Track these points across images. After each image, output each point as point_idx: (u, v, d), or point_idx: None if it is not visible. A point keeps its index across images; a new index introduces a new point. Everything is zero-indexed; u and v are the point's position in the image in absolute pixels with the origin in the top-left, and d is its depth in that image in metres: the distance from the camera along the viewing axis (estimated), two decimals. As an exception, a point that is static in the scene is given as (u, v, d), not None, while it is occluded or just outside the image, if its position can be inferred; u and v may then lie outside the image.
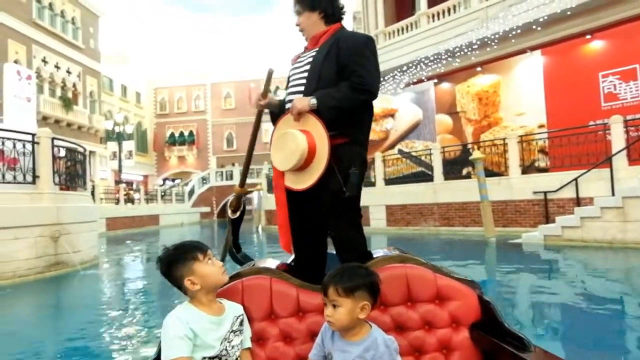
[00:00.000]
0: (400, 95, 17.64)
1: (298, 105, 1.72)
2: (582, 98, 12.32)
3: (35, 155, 7.55)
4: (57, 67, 26.26)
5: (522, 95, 14.23)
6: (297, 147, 1.66)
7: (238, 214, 2.04)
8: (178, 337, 1.28)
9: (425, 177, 13.95)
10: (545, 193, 10.66)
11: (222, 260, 2.02)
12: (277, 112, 1.98)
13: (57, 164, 8.11)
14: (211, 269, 1.41)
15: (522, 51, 13.61)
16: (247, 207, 32.75)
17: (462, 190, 12.30)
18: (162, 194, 28.92)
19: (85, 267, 8.06)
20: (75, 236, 7.96)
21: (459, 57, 14.46)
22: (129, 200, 25.06)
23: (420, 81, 16.24)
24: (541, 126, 13.51)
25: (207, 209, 32.36)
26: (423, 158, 14.61)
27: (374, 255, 1.76)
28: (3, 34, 22.17)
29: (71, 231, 7.84)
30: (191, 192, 32.17)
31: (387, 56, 16.91)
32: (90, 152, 24.66)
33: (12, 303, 5.84)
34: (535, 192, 10.90)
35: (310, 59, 1.86)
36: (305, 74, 1.84)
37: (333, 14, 1.91)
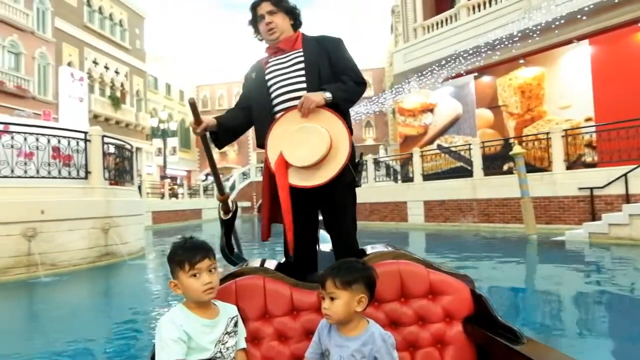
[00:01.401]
0: (439, 89, 17.38)
1: (316, 99, 1.73)
2: (633, 89, 11.73)
3: (87, 152, 8.04)
4: (106, 67, 27.55)
5: (568, 88, 13.71)
6: (323, 141, 1.66)
7: (230, 215, 2.04)
8: (172, 340, 1.28)
9: (464, 172, 13.71)
10: (591, 189, 10.25)
11: (227, 257, 2.08)
12: (219, 130, 1.95)
13: (106, 160, 8.59)
14: (193, 284, 1.35)
15: (568, 42, 13.10)
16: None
17: (503, 186, 12.02)
18: (205, 188, 29.76)
19: (133, 258, 8.51)
20: (124, 228, 8.42)
21: (499, 50, 14.09)
22: (173, 194, 25.95)
23: (459, 75, 15.94)
24: (588, 119, 12.98)
25: (247, 204, 33.02)
26: (462, 153, 14.36)
27: (369, 252, 1.79)
28: (58, 38, 23.48)
29: (120, 224, 8.30)
30: (232, 187, 32.90)
31: (425, 50, 16.70)
32: (137, 148, 25.79)
33: (69, 289, 6.30)
34: (580, 188, 10.50)
35: (300, 58, 1.90)
36: (301, 72, 1.88)
37: (299, 22, 2.03)
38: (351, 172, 1.76)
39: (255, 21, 2.01)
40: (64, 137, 7.76)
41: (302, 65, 1.89)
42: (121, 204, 8.55)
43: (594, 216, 9.97)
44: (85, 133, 8.17)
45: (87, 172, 8.02)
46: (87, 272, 7.22)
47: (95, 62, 26.57)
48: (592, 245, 8.61)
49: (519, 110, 15.10)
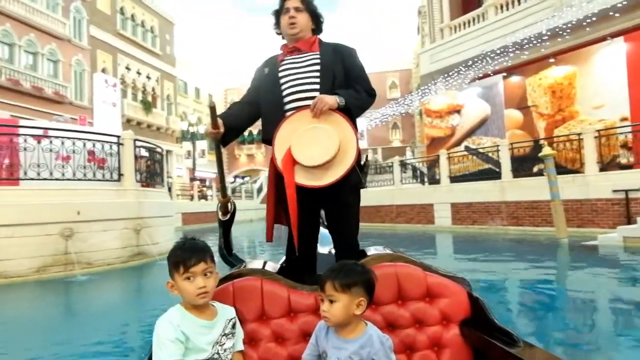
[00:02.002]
0: (466, 90, 17.16)
1: (329, 101, 1.77)
2: (671, 88, 11.30)
3: (120, 156, 8.34)
4: (138, 73, 28.39)
5: (601, 86, 13.31)
6: (333, 142, 1.71)
7: (228, 216, 2.04)
8: (170, 340, 1.28)
9: (492, 174, 13.48)
10: (626, 191, 9.93)
11: (224, 258, 2.06)
12: (226, 131, 1.95)
13: (138, 163, 8.89)
14: (187, 287, 1.34)
15: (601, 39, 12.73)
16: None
17: (532, 188, 11.76)
18: (232, 190, 30.21)
19: (163, 258, 8.73)
20: (154, 229, 8.69)
21: (528, 49, 13.81)
22: (203, 196, 26.44)
23: (486, 75, 15.70)
24: (624, 119, 12.56)
25: (274, 206, 33.30)
26: (490, 155, 14.12)
27: (369, 253, 1.80)
28: (93, 45, 24.35)
29: (151, 224, 8.56)
30: (259, 189, 33.25)
31: (452, 51, 16.54)
32: (167, 151, 26.42)
33: (103, 287, 6.57)
34: (615, 191, 10.18)
35: (317, 60, 1.94)
36: (316, 73, 1.91)
37: (320, 29, 2.09)
38: (357, 174, 1.82)
39: (279, 13, 2.03)
40: (99, 141, 8.08)
41: (317, 67, 1.92)
42: (152, 206, 8.83)
43: (629, 219, 9.65)
44: (118, 137, 8.47)
45: (120, 175, 8.32)
46: (120, 271, 7.49)
47: (127, 68, 27.42)
48: (626, 249, 8.34)
49: (549, 110, 14.74)
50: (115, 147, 8.29)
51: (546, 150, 10.11)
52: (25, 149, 7.13)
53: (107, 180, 8.09)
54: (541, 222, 11.58)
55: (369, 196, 17.80)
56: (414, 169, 17.66)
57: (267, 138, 1.91)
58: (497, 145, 13.60)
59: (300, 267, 1.86)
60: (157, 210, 9.00)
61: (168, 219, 9.77)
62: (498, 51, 14.53)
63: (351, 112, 1.84)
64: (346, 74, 1.94)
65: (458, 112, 18.01)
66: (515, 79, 15.68)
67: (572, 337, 3.55)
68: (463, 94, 17.43)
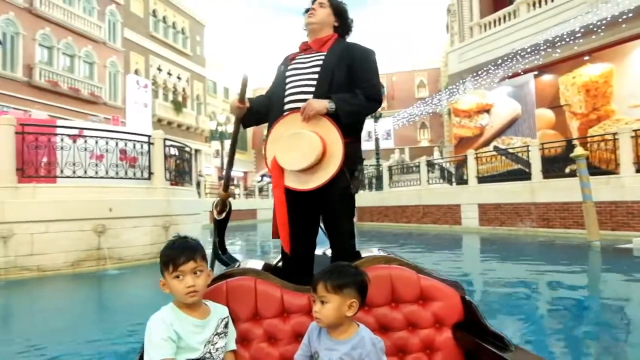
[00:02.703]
0: (496, 89, 16.83)
1: (317, 107, 1.73)
2: None
3: (150, 155, 8.60)
4: (169, 74, 29.08)
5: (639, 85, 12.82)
6: (313, 149, 1.69)
7: (224, 215, 2.03)
8: (162, 338, 1.28)
9: (521, 175, 13.18)
10: (664, 194, 9.56)
11: (211, 266, 2.01)
12: (248, 113, 1.99)
13: (168, 162, 9.13)
14: (176, 285, 1.34)
15: (638, 36, 12.25)
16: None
17: (564, 190, 11.44)
18: (260, 189, 30.55)
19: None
20: (182, 227, 8.91)
21: (560, 47, 13.43)
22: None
23: (516, 74, 15.35)
24: (662, 119, 12.07)
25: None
26: (520, 155, 13.81)
27: (364, 255, 1.80)
28: (127, 47, 25.09)
29: (179, 222, 8.79)
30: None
31: (482, 49, 16.26)
32: (196, 150, 26.97)
33: (134, 281, 6.82)
34: (651, 193, 9.82)
35: (320, 62, 1.88)
36: (314, 75, 1.86)
37: (343, 27, 2.01)
38: (347, 179, 1.77)
39: (308, 10, 2.02)
40: (130, 140, 8.35)
41: (318, 69, 1.87)
42: (180, 204, 9.06)
43: (667, 223, 9.29)
44: (149, 137, 8.73)
45: (150, 173, 8.57)
46: (149, 267, 7.72)
47: (159, 69, 28.12)
48: (663, 253, 8.04)
49: (583, 109, 14.30)
50: (145, 147, 8.55)
51: (578, 151, 9.83)
52: (62, 148, 7.44)
53: (137, 179, 8.35)
54: (572, 224, 11.26)
55: (394, 196, 17.71)
56: (442, 169, 17.45)
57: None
58: (527, 146, 13.29)
59: (294, 269, 1.84)
60: (185, 208, 9.23)
61: (195, 217, 10.00)
62: (529, 49, 14.18)
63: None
64: (351, 76, 1.85)
65: (487, 111, 17.68)
66: (547, 78, 15.29)
67: (606, 348, 3.44)
68: (493, 93, 17.10)
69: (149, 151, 8.58)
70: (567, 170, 12.41)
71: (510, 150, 14.50)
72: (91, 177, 7.60)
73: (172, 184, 9.28)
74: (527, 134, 15.81)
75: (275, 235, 1.91)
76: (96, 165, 7.75)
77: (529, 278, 6.46)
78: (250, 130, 42.40)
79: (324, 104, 1.74)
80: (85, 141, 7.65)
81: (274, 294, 1.60)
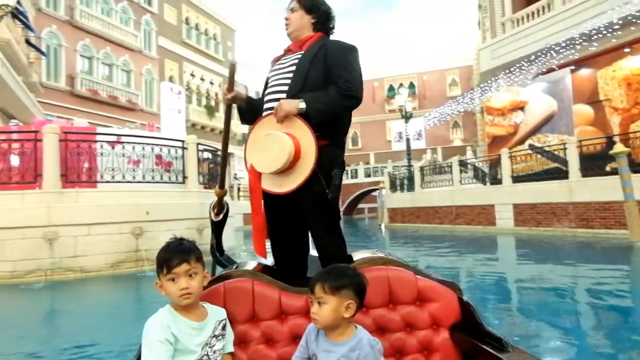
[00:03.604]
0: (530, 86, 16.38)
1: (286, 107, 1.69)
2: None
3: (184, 159, 8.86)
4: (202, 79, 29.76)
5: (685, 77, 12.21)
6: (284, 150, 1.64)
7: (221, 216, 2.01)
8: (159, 341, 1.27)
9: (558, 174, 12.78)
10: None
11: (213, 271, 2.01)
12: (245, 108, 1.98)
13: (201, 165, 9.38)
14: (170, 287, 1.34)
15: (683, 26, 11.67)
16: (370, 205, 33.32)
17: (604, 189, 11.02)
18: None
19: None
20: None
21: (597, 40, 12.94)
22: (262, 197, 27.15)
23: (551, 70, 14.88)
24: None
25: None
26: (557, 153, 13.38)
27: (358, 257, 1.79)
28: (161, 55, 25.87)
29: (208, 226, 8.98)
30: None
31: (514, 45, 15.89)
32: (230, 153, 27.46)
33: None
34: (699, 191, 9.33)
35: (296, 61, 1.86)
36: (290, 75, 1.83)
37: (323, 23, 1.96)
38: (322, 183, 1.69)
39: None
40: (165, 145, 8.63)
41: (293, 67, 1.85)
42: (214, 206, 9.25)
43: None
44: (183, 141, 9.00)
45: (184, 177, 8.83)
46: (185, 268, 7.96)
47: (192, 75, 28.83)
48: None
49: (624, 104, 13.72)
50: (180, 151, 8.82)
51: (619, 148, 9.49)
52: (101, 154, 7.78)
53: (172, 183, 8.62)
54: (614, 224, 10.83)
55: (426, 197, 17.51)
56: (475, 169, 17.11)
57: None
58: (564, 143, 12.88)
59: (286, 271, 1.81)
60: (218, 210, 9.42)
61: (228, 220, 10.18)
62: (564, 44, 13.73)
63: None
64: (326, 74, 1.79)
65: (521, 109, 17.22)
66: (584, 72, 14.76)
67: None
68: (527, 90, 16.65)
69: (182, 156, 8.84)
70: (608, 168, 11.95)
71: (546, 149, 14.08)
72: (129, 182, 7.91)
73: (205, 187, 9.51)
74: (564, 131, 15.30)
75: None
76: (133, 170, 8.06)
77: (571, 281, 6.28)
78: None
79: (295, 104, 1.69)
80: (123, 147, 7.97)
81: (272, 296, 1.60)
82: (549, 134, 15.99)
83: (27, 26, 14.64)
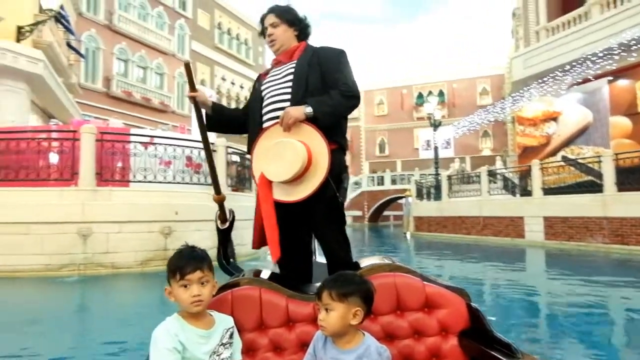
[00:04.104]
0: (564, 96, 15.97)
1: (295, 114, 1.72)
2: None
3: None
4: (232, 83, 30.25)
5: None
6: (297, 156, 1.65)
7: (227, 224, 2.01)
8: (167, 349, 1.27)
9: (592, 187, 12.39)
10: None
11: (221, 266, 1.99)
12: (212, 114, 1.98)
13: (229, 168, 9.53)
14: (182, 294, 1.35)
15: None
16: (395, 213, 33.06)
17: (641, 204, 10.64)
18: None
19: (249, 259, 9.28)
20: (242, 231, 9.15)
21: (636, 51, 12.53)
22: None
23: (587, 80, 14.48)
24: None
25: (359, 213, 33.48)
26: (591, 166, 12.99)
27: (365, 264, 1.79)
28: (194, 59, 26.42)
29: (239, 227, 8.98)
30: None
31: (548, 55, 15.56)
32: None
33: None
34: None
35: (292, 70, 1.90)
36: (289, 84, 1.87)
37: (305, 32, 2.03)
38: (332, 187, 1.74)
39: (264, 34, 2.04)
40: (195, 147, 8.82)
41: (291, 77, 1.88)
42: (241, 209, 9.33)
43: None
44: (212, 144, 9.17)
45: (213, 179, 8.97)
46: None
47: (223, 79, 29.35)
48: None
49: (664, 117, 13.25)
50: (209, 154, 8.97)
51: (657, 162, 9.14)
52: (134, 154, 8.02)
53: (201, 184, 8.79)
54: (651, 241, 10.43)
55: (453, 206, 17.27)
56: (505, 180, 16.78)
57: (249, 151, 1.94)
58: (599, 156, 12.49)
59: (293, 278, 1.82)
60: (245, 213, 9.45)
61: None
62: (601, 54, 13.36)
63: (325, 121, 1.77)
64: (323, 78, 1.85)
65: (554, 119, 16.82)
66: (623, 83, 14.31)
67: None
68: (560, 100, 16.26)
69: (212, 158, 9.00)
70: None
71: (580, 161, 13.69)
72: (160, 182, 8.11)
73: (233, 190, 9.65)
74: (600, 143, 14.86)
75: (256, 245, 1.92)
76: (164, 171, 8.26)
77: (604, 300, 6.03)
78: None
79: (302, 110, 1.73)
80: (155, 148, 8.18)
81: (279, 303, 1.60)
82: (584, 146, 15.56)
83: (68, 30, 15.22)
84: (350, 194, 33.92)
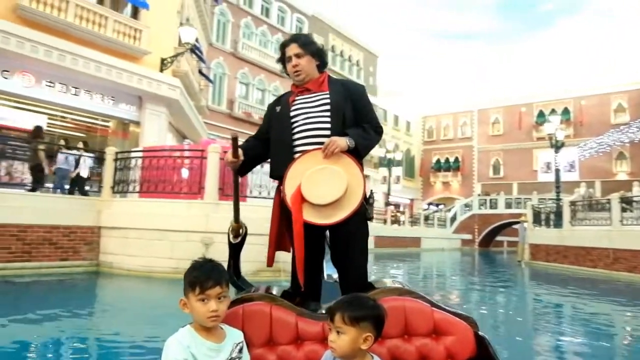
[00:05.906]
0: None
1: (341, 144, 1.86)
2: None
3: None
4: (343, 103, 31.21)
5: None
6: (342, 183, 1.79)
7: (239, 239, 2.10)
8: None
9: None
10: None
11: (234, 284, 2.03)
12: (247, 159, 2.06)
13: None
14: (199, 308, 1.36)
15: None
16: (509, 239, 30.73)
17: None
18: (426, 217, 30.07)
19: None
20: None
21: None
22: (395, 221, 27.06)
23: None
24: None
25: (468, 237, 31.90)
26: None
27: (378, 286, 1.81)
28: (307, 81, 27.87)
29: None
30: (453, 218, 32.24)
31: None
32: (366, 175, 28.11)
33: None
34: None
35: (327, 101, 2.01)
36: (327, 114, 1.99)
37: (324, 63, 2.14)
38: (364, 205, 1.88)
39: (283, 60, 2.11)
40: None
41: (327, 107, 2.00)
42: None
43: None
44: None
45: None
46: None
47: (335, 100, 30.45)
48: None
49: None
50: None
51: None
52: (252, 172, 8.70)
53: (264, 198, 8.77)
54: None
55: (576, 235, 15.69)
56: (643, 208, 14.79)
57: (275, 175, 2.04)
58: None
59: (304, 295, 1.90)
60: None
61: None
62: None
63: (359, 153, 1.94)
64: (356, 112, 2.02)
65: None
66: None
67: None
68: None
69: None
70: None
71: None
72: (272, 199, 8.66)
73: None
74: None
75: (271, 262, 2.05)
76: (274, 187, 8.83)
77: None
78: (418, 158, 42.42)
79: (345, 141, 1.89)
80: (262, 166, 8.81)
81: (289, 321, 1.61)
82: None
83: (201, 59, 17.15)
84: (460, 216, 32.51)
